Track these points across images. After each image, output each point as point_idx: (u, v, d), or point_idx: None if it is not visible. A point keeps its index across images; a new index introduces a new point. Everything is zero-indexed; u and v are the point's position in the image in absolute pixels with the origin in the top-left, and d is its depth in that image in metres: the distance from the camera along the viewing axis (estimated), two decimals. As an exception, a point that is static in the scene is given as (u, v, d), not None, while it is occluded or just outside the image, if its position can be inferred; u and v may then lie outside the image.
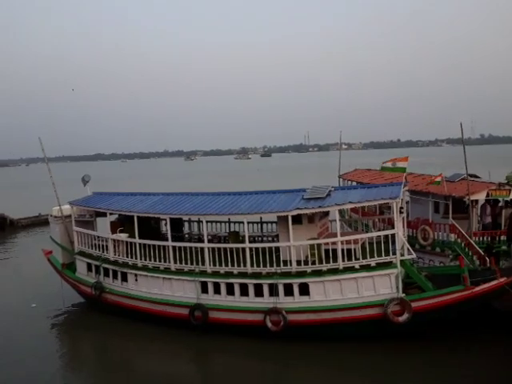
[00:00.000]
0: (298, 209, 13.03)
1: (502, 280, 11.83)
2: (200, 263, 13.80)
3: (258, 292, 13.01)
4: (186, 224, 18.43)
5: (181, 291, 13.93)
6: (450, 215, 15.61)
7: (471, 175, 17.14)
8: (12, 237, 34.14)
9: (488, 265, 13.74)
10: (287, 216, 12.96)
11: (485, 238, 15.49)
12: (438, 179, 16.21)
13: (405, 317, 11.85)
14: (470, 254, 14.79)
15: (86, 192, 17.90)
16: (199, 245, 14.42)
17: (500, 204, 16.62)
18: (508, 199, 16.11)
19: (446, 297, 11.86)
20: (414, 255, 12.76)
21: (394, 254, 12.28)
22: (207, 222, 15.02)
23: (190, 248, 14.19)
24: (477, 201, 16.15)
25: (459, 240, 15.09)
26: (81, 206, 17.08)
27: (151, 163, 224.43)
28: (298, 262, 12.83)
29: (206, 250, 13.77)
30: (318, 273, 12.58)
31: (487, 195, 15.73)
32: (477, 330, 12.58)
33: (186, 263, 14.00)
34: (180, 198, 15.90)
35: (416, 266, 14.12)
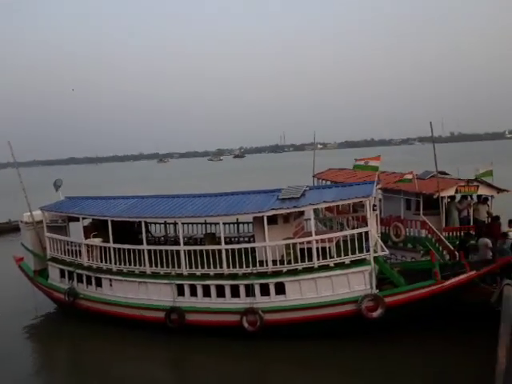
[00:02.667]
0: (273, 209, 13.13)
1: (471, 273, 12.24)
2: (176, 266, 13.75)
3: (235, 293, 13.06)
4: (162, 226, 18.32)
5: (157, 295, 13.84)
6: (421, 212, 16.01)
7: (441, 172, 17.58)
8: (-19, 244, 33.08)
9: (457, 259, 14.16)
10: (263, 216, 13.06)
11: (458, 233, 15.90)
12: (409, 177, 16.59)
13: (378, 312, 12.10)
14: (441, 249, 15.21)
15: (57, 197, 17.56)
16: (175, 247, 14.33)
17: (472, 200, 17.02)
18: (476, 195, 16.64)
19: (417, 291, 12.17)
20: (386, 252, 13.05)
21: (368, 251, 12.53)
22: (183, 224, 14.97)
23: (166, 251, 14.12)
24: (453, 197, 16.59)
25: (430, 236, 15.50)
26: (53, 212, 16.76)
27: (124, 166, 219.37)
28: (274, 262, 12.93)
29: (182, 253, 13.73)
30: (293, 272, 12.71)
31: (456, 191, 16.21)
32: (448, 323, 12.92)
33: (162, 266, 13.93)
34: (155, 200, 15.80)
35: (389, 262, 14.43)
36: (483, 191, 16.36)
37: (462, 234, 15.69)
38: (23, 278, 17.62)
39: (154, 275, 13.97)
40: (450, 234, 15.88)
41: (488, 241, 13.97)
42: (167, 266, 13.84)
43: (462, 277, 12.23)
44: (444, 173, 18.71)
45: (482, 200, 16.52)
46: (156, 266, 14.00)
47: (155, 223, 17.93)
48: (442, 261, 14.29)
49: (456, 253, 14.55)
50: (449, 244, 15.20)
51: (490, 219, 16.09)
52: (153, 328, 13.61)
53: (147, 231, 17.47)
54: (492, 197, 16.51)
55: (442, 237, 15.36)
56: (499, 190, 16.31)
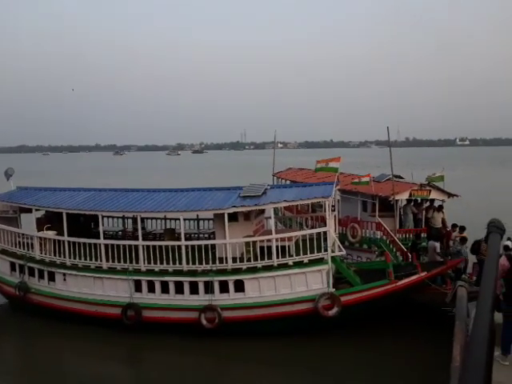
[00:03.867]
0: (234, 207, 13.16)
1: (422, 274, 12.81)
2: (134, 261, 13.50)
3: (194, 290, 13.00)
4: (120, 220, 17.92)
5: (113, 290, 13.54)
6: (377, 213, 16.54)
7: (396, 176, 18.19)
8: None
9: (410, 260, 14.76)
10: (223, 213, 13.06)
11: (411, 235, 16.55)
12: (366, 179, 17.07)
13: (334, 311, 12.41)
14: (394, 250, 15.78)
15: (9, 186, 16.78)
16: (133, 242, 14.06)
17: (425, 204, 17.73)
18: (428, 199, 17.37)
19: (372, 290, 12.60)
20: (344, 252, 13.40)
21: (326, 250, 12.82)
22: (142, 218, 14.71)
23: (124, 245, 13.82)
24: (410, 200, 17.19)
25: (384, 237, 16.05)
26: (3, 202, 16.01)
27: (75, 157, 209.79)
28: (234, 259, 12.97)
29: (141, 248, 13.49)
30: (253, 270, 12.80)
31: (410, 195, 16.85)
32: (401, 322, 13.43)
33: (119, 261, 13.63)
34: (113, 194, 15.43)
35: (345, 262, 14.82)
36: (435, 195, 17.10)
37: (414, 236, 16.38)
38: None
39: (111, 270, 13.66)
40: (404, 235, 16.52)
41: (436, 245, 14.66)
42: (125, 261, 13.56)
43: (414, 277, 12.77)
44: (399, 176, 19.39)
45: (438, 207, 17.19)
46: (113, 260, 13.69)
47: (113, 217, 17.51)
48: (396, 261, 14.83)
49: (409, 254, 15.15)
50: (402, 245, 15.79)
51: (443, 225, 16.80)
52: (108, 325, 13.30)
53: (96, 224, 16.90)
54: (443, 201, 17.30)
55: (395, 238, 15.93)
56: (450, 195, 17.11)
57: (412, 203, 17.33)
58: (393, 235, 15.96)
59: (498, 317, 5.91)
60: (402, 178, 19.60)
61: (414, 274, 12.88)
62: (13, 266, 15.33)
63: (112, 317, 13.28)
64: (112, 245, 13.93)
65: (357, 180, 17.47)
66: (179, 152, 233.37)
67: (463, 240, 14.47)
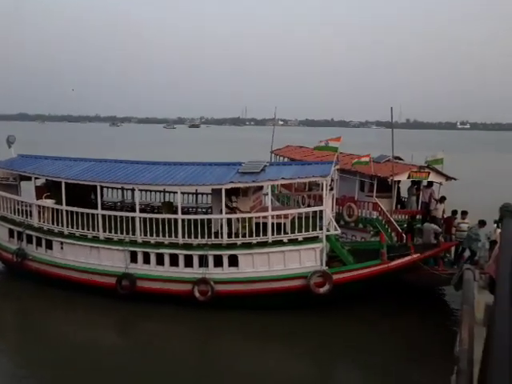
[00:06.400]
0: (232, 182, 13.21)
1: (415, 256, 12.96)
2: (130, 233, 13.64)
3: (188, 263, 13.18)
4: (119, 192, 18.00)
5: (109, 260, 13.73)
6: (374, 194, 16.60)
7: (395, 157, 18.17)
8: None
9: (404, 241, 14.89)
10: (221, 189, 13.12)
11: (406, 217, 16.62)
12: (366, 159, 17.04)
13: (326, 288, 12.62)
14: (389, 230, 15.90)
15: (9, 154, 16.80)
16: (130, 214, 14.14)
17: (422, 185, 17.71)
18: (427, 181, 17.36)
19: (364, 270, 12.78)
20: (339, 231, 13.52)
21: (321, 229, 12.93)
22: (140, 190, 14.78)
23: (121, 217, 13.93)
24: (415, 182, 17.16)
25: (380, 217, 16.15)
26: (4, 169, 16.06)
27: (72, 127, 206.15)
28: (229, 235, 13.11)
29: (137, 220, 13.61)
30: (247, 245, 12.95)
31: (408, 176, 16.87)
32: (391, 302, 13.64)
33: (116, 232, 13.77)
34: (112, 165, 15.45)
35: (340, 241, 14.96)
36: (433, 178, 17.10)
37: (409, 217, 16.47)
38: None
39: (108, 241, 13.82)
40: (400, 216, 16.62)
41: (435, 227, 14.55)
42: (121, 233, 13.70)
43: (406, 258, 12.93)
44: (399, 158, 19.36)
45: (440, 199, 16.71)
46: (110, 231, 13.83)
47: (112, 188, 17.59)
48: (390, 242, 14.95)
49: (403, 235, 15.27)
50: (397, 226, 15.90)
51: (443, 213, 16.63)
52: (103, 294, 13.54)
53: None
54: (440, 184, 17.31)
55: (391, 219, 16.04)
56: (448, 178, 17.11)
57: (415, 186, 17.33)
58: (389, 216, 16.05)
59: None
60: (401, 159, 19.56)
61: (407, 255, 13.04)
62: (11, 233, 15.50)
63: (107, 286, 13.51)
64: (109, 216, 14.06)
65: (356, 160, 17.44)
66: (175, 126, 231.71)
67: (481, 223, 13.70)
